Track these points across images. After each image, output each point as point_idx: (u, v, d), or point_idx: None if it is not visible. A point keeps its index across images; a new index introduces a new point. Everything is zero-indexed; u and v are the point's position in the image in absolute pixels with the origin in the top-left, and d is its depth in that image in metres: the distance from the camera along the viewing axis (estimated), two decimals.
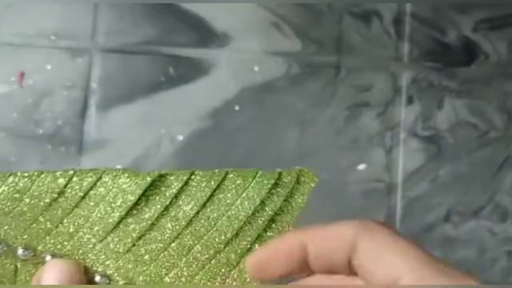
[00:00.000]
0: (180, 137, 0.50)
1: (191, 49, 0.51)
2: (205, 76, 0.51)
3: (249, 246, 0.28)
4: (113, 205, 0.27)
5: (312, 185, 0.30)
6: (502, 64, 0.54)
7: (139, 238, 0.27)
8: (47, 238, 0.27)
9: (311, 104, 0.52)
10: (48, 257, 0.27)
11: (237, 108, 0.51)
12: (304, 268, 0.27)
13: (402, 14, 0.53)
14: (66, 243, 0.27)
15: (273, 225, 0.29)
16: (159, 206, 0.27)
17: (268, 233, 0.28)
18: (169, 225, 0.28)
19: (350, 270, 0.26)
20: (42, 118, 0.49)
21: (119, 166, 0.50)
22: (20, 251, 0.27)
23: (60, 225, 0.27)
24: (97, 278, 0.27)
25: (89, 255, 0.27)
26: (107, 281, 0.27)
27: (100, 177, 0.27)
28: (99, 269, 0.27)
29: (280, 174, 0.29)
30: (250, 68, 0.51)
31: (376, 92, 0.53)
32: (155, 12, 0.50)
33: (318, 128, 0.52)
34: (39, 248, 0.27)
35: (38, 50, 0.49)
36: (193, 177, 0.28)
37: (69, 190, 0.27)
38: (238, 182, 0.28)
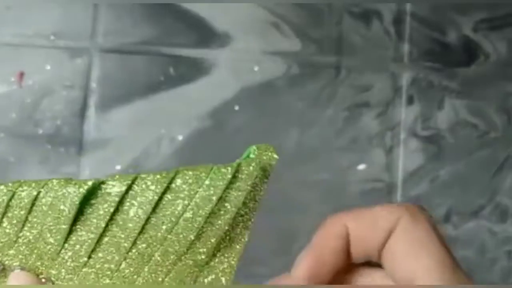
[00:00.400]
0: (180, 137, 0.50)
1: (191, 49, 0.51)
2: (205, 76, 0.51)
3: (215, 244, 0.27)
4: (58, 215, 0.26)
5: (273, 163, 0.28)
6: (502, 64, 0.54)
7: (93, 249, 0.27)
8: (10, 251, 0.27)
9: (311, 104, 0.52)
10: (17, 270, 0.27)
11: (237, 108, 0.51)
12: (347, 258, 0.26)
13: (402, 14, 0.53)
14: (28, 256, 0.27)
15: (240, 218, 0.27)
16: (102, 213, 0.26)
17: (236, 229, 0.27)
18: (120, 234, 0.26)
19: (379, 257, 0.26)
20: (41, 118, 0.49)
21: (118, 167, 0.50)
22: None
23: (18, 238, 0.27)
24: None
25: (50, 270, 0.27)
26: None
27: (42, 188, 0.26)
28: (64, 283, 0.27)
29: (238, 166, 0.26)
30: (250, 68, 0.51)
31: (376, 92, 0.53)
32: (155, 12, 0.50)
33: (318, 128, 0.52)
34: (5, 261, 0.27)
35: (38, 50, 0.49)
36: (137, 181, 0.26)
37: (15, 204, 0.27)
38: (190, 181, 0.26)
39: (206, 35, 0.51)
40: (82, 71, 0.49)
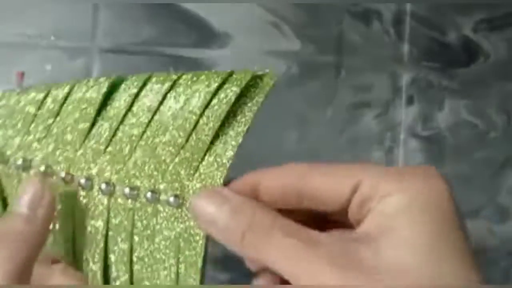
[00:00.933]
0: None
1: (191, 49, 0.51)
2: None
3: (209, 140, 0.30)
4: (86, 106, 0.31)
5: (271, 81, 0.33)
6: (502, 64, 0.54)
7: (112, 137, 0.31)
8: (38, 147, 0.31)
9: (311, 104, 0.52)
10: (42, 167, 0.31)
11: None
12: (295, 200, 0.28)
13: (402, 14, 0.53)
14: (53, 150, 0.31)
15: (233, 121, 0.31)
16: (122, 103, 0.31)
17: (227, 127, 0.31)
18: (134, 121, 0.31)
19: (302, 201, 0.28)
20: None
21: None
22: (19, 161, 0.31)
23: (47, 134, 0.31)
24: (82, 181, 0.31)
25: (71, 163, 0.31)
26: (90, 183, 0.31)
27: (74, 86, 0.31)
28: (84, 173, 0.31)
29: (231, 72, 0.31)
30: (250, 68, 0.51)
31: (376, 92, 0.53)
32: (155, 12, 0.50)
33: (318, 128, 0.52)
34: (29, 156, 0.31)
35: (38, 50, 0.49)
36: (151, 79, 0.31)
37: (49, 101, 0.31)
38: (191, 80, 0.31)
39: (206, 35, 0.51)
40: (82, 72, 0.49)
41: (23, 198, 0.29)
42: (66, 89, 0.31)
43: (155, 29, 0.50)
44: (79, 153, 0.31)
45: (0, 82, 0.48)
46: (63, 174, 0.31)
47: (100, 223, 0.31)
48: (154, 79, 0.31)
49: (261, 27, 0.52)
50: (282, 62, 0.52)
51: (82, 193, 0.31)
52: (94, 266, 0.31)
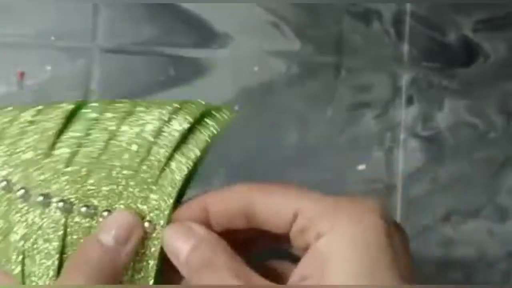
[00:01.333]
0: None
1: (191, 49, 0.51)
2: (205, 76, 0.51)
3: (162, 164, 0.32)
4: (47, 131, 0.32)
5: (227, 118, 0.34)
6: (502, 64, 0.54)
7: (71, 159, 0.32)
8: (4, 165, 0.32)
9: (311, 104, 0.52)
10: (3, 183, 0.32)
11: (237, 108, 0.51)
12: (209, 226, 0.30)
13: (402, 14, 0.53)
14: (16, 167, 0.32)
15: (186, 149, 0.32)
16: (81, 128, 0.33)
17: (180, 155, 0.32)
18: (92, 143, 0.32)
19: (249, 222, 0.29)
20: None
21: None
22: None
23: (10, 154, 0.32)
24: (40, 198, 0.32)
25: (33, 180, 0.32)
26: (48, 201, 0.32)
27: (38, 112, 0.33)
28: (42, 191, 0.32)
29: (185, 102, 0.33)
30: (250, 68, 0.52)
31: (376, 92, 0.53)
32: (155, 12, 0.50)
33: (318, 128, 0.52)
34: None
35: (38, 51, 0.49)
36: (110, 105, 0.33)
37: (15, 123, 0.33)
38: (147, 108, 0.32)
39: (206, 35, 0.51)
40: (82, 72, 0.49)
41: (113, 230, 0.30)
42: (33, 112, 0.33)
43: (155, 29, 0.50)
44: (39, 171, 0.32)
45: (0, 82, 0.49)
46: (22, 192, 0.32)
47: (56, 241, 0.31)
48: (113, 106, 0.33)
49: (261, 27, 0.52)
50: (282, 62, 0.52)
51: (38, 210, 0.32)
52: (49, 282, 0.31)
